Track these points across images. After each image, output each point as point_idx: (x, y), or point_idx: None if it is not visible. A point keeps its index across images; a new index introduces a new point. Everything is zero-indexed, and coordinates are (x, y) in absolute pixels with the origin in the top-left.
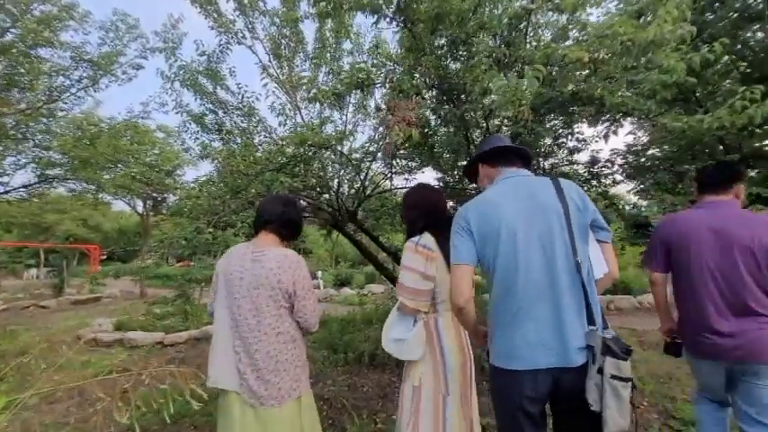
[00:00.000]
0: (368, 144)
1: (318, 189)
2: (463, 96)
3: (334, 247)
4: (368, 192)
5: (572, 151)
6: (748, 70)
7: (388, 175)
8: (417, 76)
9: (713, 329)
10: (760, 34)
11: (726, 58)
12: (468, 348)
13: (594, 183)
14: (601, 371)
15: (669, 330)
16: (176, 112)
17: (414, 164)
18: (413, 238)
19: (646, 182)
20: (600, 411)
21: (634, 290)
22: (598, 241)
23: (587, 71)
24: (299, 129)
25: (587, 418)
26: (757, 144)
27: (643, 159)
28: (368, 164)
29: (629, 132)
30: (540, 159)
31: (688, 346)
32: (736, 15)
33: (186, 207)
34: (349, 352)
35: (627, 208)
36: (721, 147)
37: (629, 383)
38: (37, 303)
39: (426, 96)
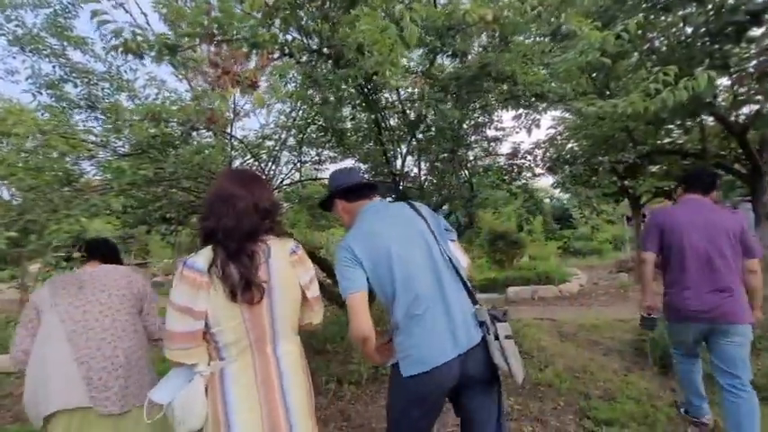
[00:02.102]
0: (271, 125)
1: (198, 179)
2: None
3: None
4: (274, 184)
5: (491, 141)
6: (656, 68)
7: (297, 165)
8: (278, 29)
9: (696, 299)
10: (673, 30)
11: (635, 54)
12: (286, 403)
13: (515, 175)
14: (497, 336)
15: (649, 307)
16: (30, 84)
17: (324, 154)
18: (183, 258)
19: (562, 175)
20: (508, 369)
21: (556, 279)
22: (450, 241)
23: (495, 39)
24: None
25: (488, 391)
26: (660, 141)
27: (563, 152)
28: (273, 151)
29: (551, 127)
30: (462, 150)
31: (671, 312)
32: (648, 5)
33: None
34: None
35: (547, 201)
36: (631, 143)
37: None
38: None
39: (302, 59)
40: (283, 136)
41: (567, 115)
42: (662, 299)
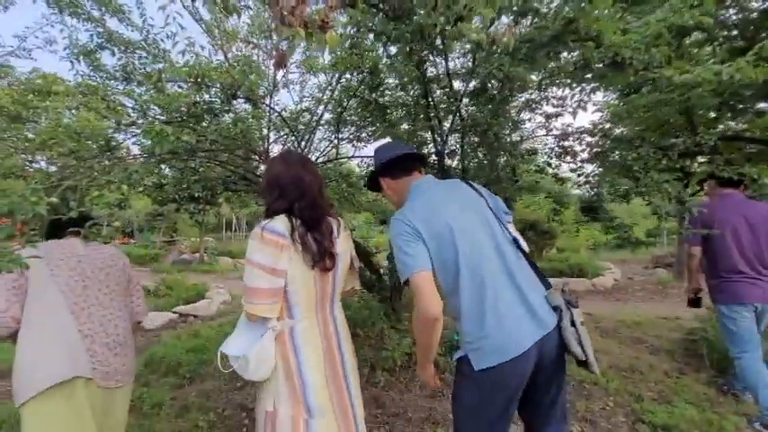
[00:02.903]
0: (309, 98)
1: (235, 152)
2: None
3: None
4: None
5: (549, 117)
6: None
7: (334, 142)
8: None
9: (745, 278)
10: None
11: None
12: (344, 359)
13: (565, 159)
14: (573, 322)
15: (695, 289)
16: (67, 54)
17: (366, 131)
18: (261, 222)
19: (606, 163)
20: (585, 359)
21: (589, 273)
22: (509, 223)
23: None
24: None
25: (557, 380)
26: (724, 126)
27: (610, 139)
28: (311, 125)
29: (596, 110)
30: (507, 132)
31: (727, 296)
32: None
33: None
34: None
35: (577, 191)
36: (689, 128)
37: None
38: None
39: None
40: (320, 110)
41: (611, 99)
42: (713, 287)
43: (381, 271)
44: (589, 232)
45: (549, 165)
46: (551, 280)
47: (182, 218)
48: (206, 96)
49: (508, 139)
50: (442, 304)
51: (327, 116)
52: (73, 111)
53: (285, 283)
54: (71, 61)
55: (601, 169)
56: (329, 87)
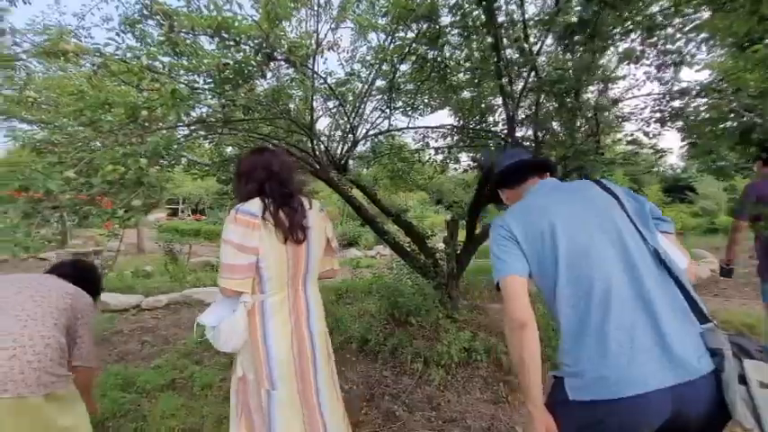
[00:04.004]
0: (357, 63)
1: (283, 126)
2: None
3: (345, 206)
4: (359, 134)
5: (661, 67)
6: None
7: (386, 113)
8: None
9: None
10: None
11: None
12: (312, 335)
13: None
14: (743, 379)
15: (728, 260)
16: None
17: (421, 98)
18: (236, 206)
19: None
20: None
21: None
22: (661, 232)
23: None
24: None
25: None
26: None
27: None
28: (360, 94)
29: (703, 67)
30: (594, 95)
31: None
32: None
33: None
34: (336, 332)
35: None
36: None
37: None
38: (35, 256)
39: None
40: (371, 76)
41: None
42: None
43: (437, 255)
44: (674, 214)
45: (647, 134)
46: None
47: None
48: (238, 56)
49: (594, 103)
50: (531, 313)
51: (379, 83)
52: (81, 69)
53: (257, 260)
54: (117, 33)
55: (697, 139)
56: (382, 49)
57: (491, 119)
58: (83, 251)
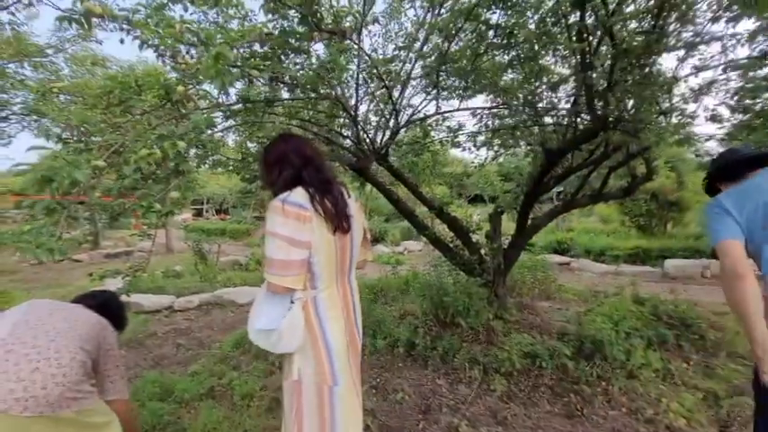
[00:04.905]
0: (399, 37)
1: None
2: None
3: (368, 201)
4: (401, 121)
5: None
6: None
7: (431, 96)
8: None
9: None
10: None
11: None
12: (359, 329)
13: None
14: None
15: None
16: None
17: (472, 80)
18: (279, 196)
19: None
20: None
21: None
22: None
23: None
24: None
25: None
26: None
27: None
28: (402, 76)
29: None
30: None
31: None
32: None
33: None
34: (378, 336)
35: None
36: None
37: None
38: (70, 257)
39: None
40: (414, 55)
41: None
42: None
43: (483, 252)
44: None
45: (734, 108)
46: (684, 262)
47: (268, 194)
48: (284, 24)
49: (671, 74)
50: (748, 266)
51: (426, 62)
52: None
53: (309, 254)
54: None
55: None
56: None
57: (563, 92)
58: (113, 252)
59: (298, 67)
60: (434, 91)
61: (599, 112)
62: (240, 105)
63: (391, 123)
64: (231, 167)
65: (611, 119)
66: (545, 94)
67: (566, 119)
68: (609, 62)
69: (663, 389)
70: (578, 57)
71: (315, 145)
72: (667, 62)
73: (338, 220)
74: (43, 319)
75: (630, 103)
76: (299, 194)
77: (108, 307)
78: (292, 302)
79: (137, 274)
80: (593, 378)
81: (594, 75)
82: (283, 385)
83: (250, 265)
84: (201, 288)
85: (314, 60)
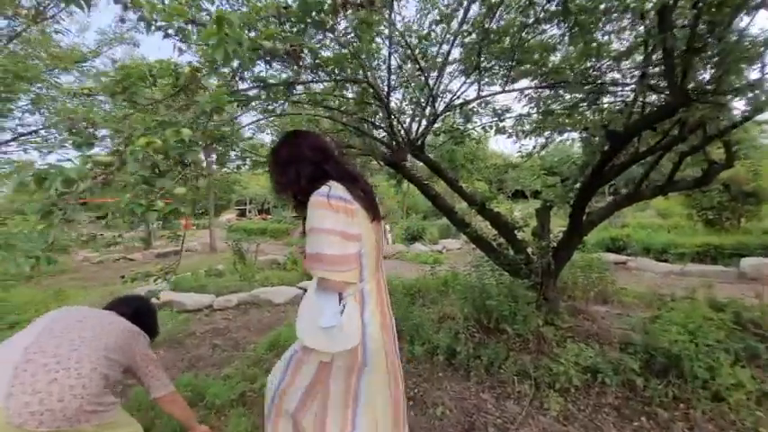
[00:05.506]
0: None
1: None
2: None
3: (405, 198)
4: (439, 108)
5: None
6: None
7: (472, 79)
8: None
9: None
10: None
11: None
12: (392, 316)
13: None
14: None
15: None
16: None
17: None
18: (319, 191)
19: None
20: None
21: None
22: None
23: None
24: None
25: None
26: None
27: None
28: (438, 58)
29: None
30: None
31: None
32: None
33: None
34: (416, 342)
35: None
36: None
37: None
38: (126, 256)
39: None
40: (449, 36)
41: None
42: None
43: (530, 250)
44: None
45: None
46: (762, 260)
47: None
48: None
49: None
50: None
51: (466, 39)
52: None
53: (360, 247)
54: None
55: None
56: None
57: (619, 68)
58: (163, 251)
59: (319, 46)
60: (475, 73)
61: (679, 84)
62: (256, 91)
63: (428, 111)
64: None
65: (695, 91)
66: (605, 68)
67: (633, 95)
68: (689, 21)
69: (759, 415)
70: (655, 15)
71: (327, 138)
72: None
73: (375, 208)
74: (70, 326)
75: (707, 75)
76: (338, 188)
77: (141, 315)
78: (341, 297)
79: (167, 277)
80: (668, 399)
81: (678, 36)
82: (305, 359)
83: (287, 265)
84: (240, 287)
85: (339, 37)
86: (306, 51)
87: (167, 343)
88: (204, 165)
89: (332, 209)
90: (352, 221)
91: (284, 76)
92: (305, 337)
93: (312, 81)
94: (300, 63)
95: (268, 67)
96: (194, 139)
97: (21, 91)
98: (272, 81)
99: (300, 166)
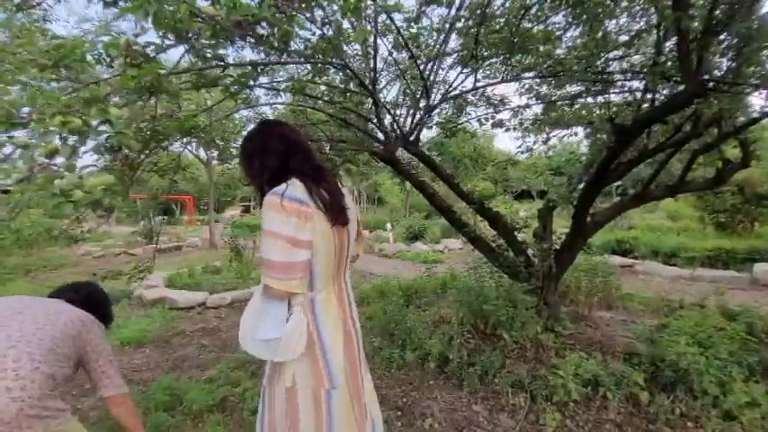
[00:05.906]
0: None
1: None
2: None
3: (408, 196)
4: (434, 100)
5: None
6: None
7: (468, 69)
8: None
9: None
10: None
11: None
12: (356, 329)
13: None
14: None
15: None
16: None
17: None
18: (275, 189)
19: None
20: None
21: None
22: None
23: None
24: None
25: None
26: None
27: None
28: (435, 47)
29: None
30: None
31: None
32: None
33: None
34: (408, 347)
35: None
36: None
37: None
38: (127, 251)
39: None
40: (448, 20)
41: None
42: None
43: (531, 252)
44: None
45: None
46: None
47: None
48: None
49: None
50: None
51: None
52: None
53: (311, 255)
54: None
55: None
56: None
57: (629, 54)
58: (163, 247)
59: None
60: (472, 62)
61: (695, 70)
62: (217, 70)
63: (422, 104)
64: None
65: (712, 81)
66: (612, 59)
67: (642, 87)
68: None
69: None
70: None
71: (302, 132)
72: None
73: (336, 212)
74: (7, 320)
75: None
76: (296, 187)
77: (92, 301)
78: (290, 306)
79: (141, 276)
80: (674, 417)
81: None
82: (271, 391)
83: None
84: (235, 285)
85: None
86: (264, 25)
87: (154, 342)
88: (206, 160)
89: (284, 211)
90: (305, 226)
91: (255, 57)
92: (245, 344)
93: (280, 62)
94: (254, 38)
95: (229, 44)
96: (126, 121)
97: None
98: (231, 62)
99: (266, 159)
